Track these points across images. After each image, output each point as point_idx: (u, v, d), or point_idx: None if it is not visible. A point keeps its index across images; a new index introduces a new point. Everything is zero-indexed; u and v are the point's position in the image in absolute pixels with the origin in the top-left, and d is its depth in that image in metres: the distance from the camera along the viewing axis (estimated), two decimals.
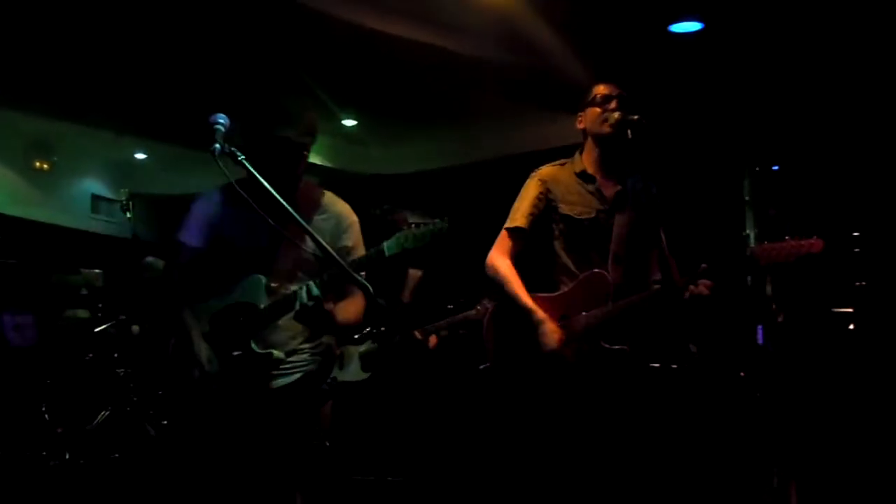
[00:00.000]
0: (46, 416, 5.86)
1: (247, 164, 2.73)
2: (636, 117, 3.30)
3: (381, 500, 4.99)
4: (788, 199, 5.64)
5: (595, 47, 5.55)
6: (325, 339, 5.02)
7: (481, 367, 3.58)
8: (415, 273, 5.09)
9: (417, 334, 4.80)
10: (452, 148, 8.09)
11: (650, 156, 3.39)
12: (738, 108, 6.10)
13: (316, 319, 2.98)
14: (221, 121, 2.79)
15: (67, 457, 5.55)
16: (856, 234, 5.65)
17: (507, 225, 3.47)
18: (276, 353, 3.04)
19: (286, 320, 3.04)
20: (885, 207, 5.59)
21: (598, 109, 3.40)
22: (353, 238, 3.19)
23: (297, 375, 3.14)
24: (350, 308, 3.14)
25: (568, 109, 3.57)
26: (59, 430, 5.78)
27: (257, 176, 2.69)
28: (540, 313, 3.28)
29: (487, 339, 3.52)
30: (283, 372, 3.10)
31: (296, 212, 2.70)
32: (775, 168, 5.80)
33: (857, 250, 5.63)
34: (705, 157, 6.11)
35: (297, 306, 2.92)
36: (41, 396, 5.95)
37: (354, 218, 3.22)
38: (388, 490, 5.04)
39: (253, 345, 3.01)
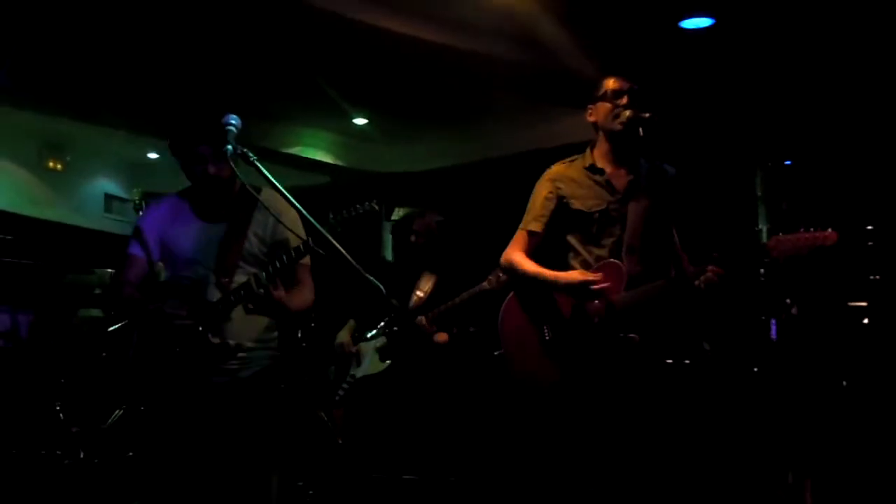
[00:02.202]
0: (61, 415, 5.88)
1: (258, 165, 2.78)
2: (648, 115, 3.30)
3: (396, 498, 5.00)
4: (801, 194, 5.62)
5: (606, 44, 5.54)
6: (339, 339, 5.04)
7: (496, 353, 3.63)
8: (429, 277, 5.09)
9: (423, 319, 4.81)
10: (463, 145, 8.08)
11: (662, 152, 3.39)
12: (750, 104, 6.09)
13: (267, 307, 3.07)
14: (233, 122, 2.84)
15: (82, 455, 5.58)
16: (869, 227, 5.63)
17: (521, 226, 3.51)
18: (231, 343, 3.13)
19: (238, 314, 3.13)
20: None
21: (608, 105, 3.40)
22: (298, 230, 3.23)
23: (254, 369, 3.22)
24: (299, 296, 3.22)
25: (579, 106, 3.57)
26: (74, 429, 5.81)
27: (267, 175, 2.74)
28: (552, 273, 3.35)
29: (504, 328, 3.54)
30: (239, 366, 3.18)
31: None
32: (788, 163, 5.78)
33: (870, 244, 5.61)
34: (718, 153, 6.10)
35: (249, 296, 3.02)
36: (56, 395, 5.98)
37: (293, 213, 3.20)
38: (402, 488, 5.04)
39: (209, 336, 3.09)
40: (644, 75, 3.56)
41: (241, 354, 3.16)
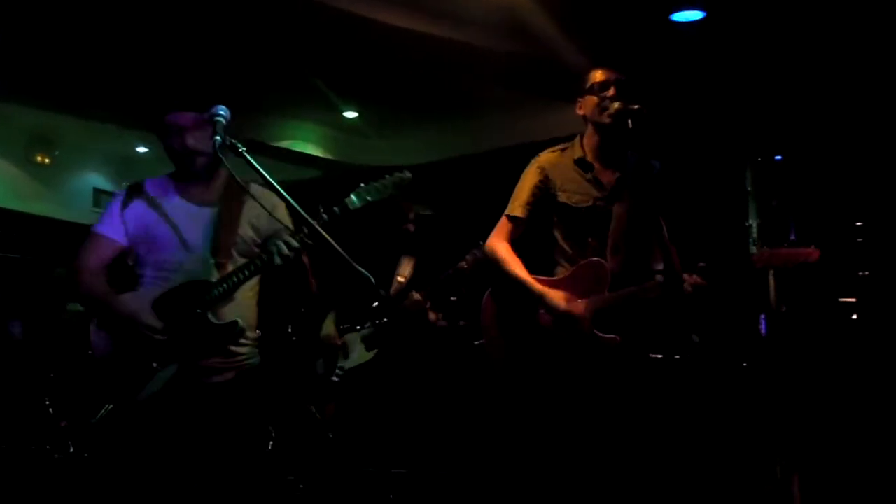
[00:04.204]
0: (50, 409, 5.86)
1: (247, 157, 2.76)
2: (637, 107, 3.27)
3: (386, 492, 5.00)
4: (791, 190, 5.63)
5: (596, 36, 5.53)
6: (325, 332, 5.01)
7: (476, 342, 3.69)
8: (408, 261, 5.08)
9: (417, 295, 4.78)
10: (454, 139, 8.07)
11: (651, 146, 3.37)
12: (741, 98, 6.09)
13: (295, 270, 3.02)
14: (222, 113, 2.81)
15: (71, 450, 5.55)
16: (858, 223, 5.64)
17: (506, 212, 3.49)
18: (240, 322, 3.01)
19: (240, 298, 3.04)
20: (887, 197, 5.58)
21: (595, 98, 3.37)
22: (288, 217, 3.16)
23: (235, 372, 3.09)
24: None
25: (569, 99, 3.56)
26: (63, 424, 5.78)
27: (256, 167, 2.72)
28: (538, 285, 3.32)
29: (484, 320, 3.53)
30: (219, 367, 3.05)
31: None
32: (778, 158, 5.78)
33: (859, 240, 5.62)
34: (707, 148, 6.10)
35: (277, 260, 2.90)
36: (44, 390, 5.95)
37: (284, 207, 3.15)
38: (392, 482, 5.04)
39: (210, 317, 2.97)
40: (634, 68, 3.55)
41: (244, 341, 3.07)
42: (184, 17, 5.40)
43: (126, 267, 3.21)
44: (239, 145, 2.76)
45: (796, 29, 5.35)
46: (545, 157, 3.49)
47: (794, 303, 5.40)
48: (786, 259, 3.11)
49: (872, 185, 5.65)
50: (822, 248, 3.12)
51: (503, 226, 3.48)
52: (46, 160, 8.40)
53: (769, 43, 5.55)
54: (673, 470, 3.68)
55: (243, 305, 3.08)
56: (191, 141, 3.02)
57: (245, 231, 3.11)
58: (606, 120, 3.33)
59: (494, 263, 3.47)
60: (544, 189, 3.43)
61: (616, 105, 3.30)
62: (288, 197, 2.72)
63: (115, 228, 3.14)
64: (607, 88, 3.34)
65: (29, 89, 6.87)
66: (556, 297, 3.29)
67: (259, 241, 3.14)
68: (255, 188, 3.09)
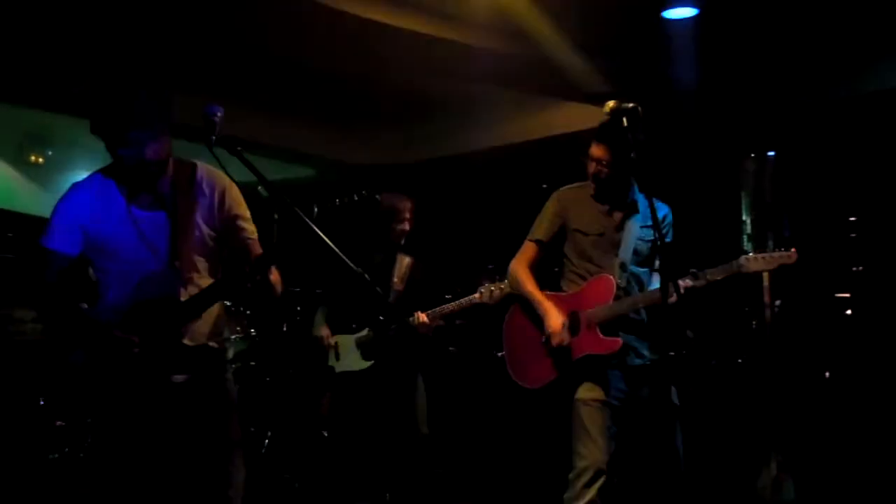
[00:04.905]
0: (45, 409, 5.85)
1: (243, 156, 2.75)
2: (631, 105, 3.40)
3: (382, 490, 5.00)
4: (785, 186, 5.65)
5: (589, 33, 5.54)
6: (316, 331, 4.97)
7: (499, 353, 4.07)
8: (403, 259, 5.06)
9: (424, 317, 4.78)
10: (446, 137, 8.06)
11: (646, 144, 3.45)
12: (734, 95, 6.10)
13: (264, 292, 2.96)
14: (218, 112, 2.80)
15: (67, 450, 5.55)
16: (852, 219, 5.66)
17: (529, 237, 3.95)
18: (214, 345, 2.99)
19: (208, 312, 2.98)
20: (881, 193, 5.60)
21: (586, 166, 3.81)
22: (243, 204, 3.09)
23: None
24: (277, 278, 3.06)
25: (561, 98, 3.61)
26: (58, 424, 5.77)
27: (252, 166, 2.71)
28: (546, 304, 3.78)
29: (508, 326, 3.98)
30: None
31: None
32: (771, 154, 5.80)
33: (853, 236, 5.64)
34: (701, 144, 6.12)
35: (248, 285, 2.85)
36: (40, 390, 5.94)
37: (236, 189, 3.09)
38: (388, 480, 5.04)
39: (185, 340, 2.91)
40: (627, 64, 3.60)
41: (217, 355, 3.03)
42: (176, 14, 5.40)
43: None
44: (235, 145, 2.76)
45: (789, 26, 5.36)
46: (564, 191, 3.95)
47: (789, 298, 5.42)
48: (768, 263, 3.49)
49: (866, 180, 5.67)
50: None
51: (527, 248, 3.95)
52: (40, 160, 8.37)
53: (762, 40, 5.56)
54: (667, 465, 3.78)
55: (211, 314, 3.02)
56: (149, 154, 2.87)
57: (202, 229, 3.00)
58: (592, 185, 3.82)
59: (513, 282, 3.96)
60: (561, 217, 3.88)
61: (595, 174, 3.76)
62: (285, 198, 2.71)
63: (65, 241, 2.98)
64: (589, 164, 3.77)
65: (21, 88, 6.85)
66: (556, 322, 3.71)
67: (215, 234, 3.04)
68: (203, 169, 3.06)
